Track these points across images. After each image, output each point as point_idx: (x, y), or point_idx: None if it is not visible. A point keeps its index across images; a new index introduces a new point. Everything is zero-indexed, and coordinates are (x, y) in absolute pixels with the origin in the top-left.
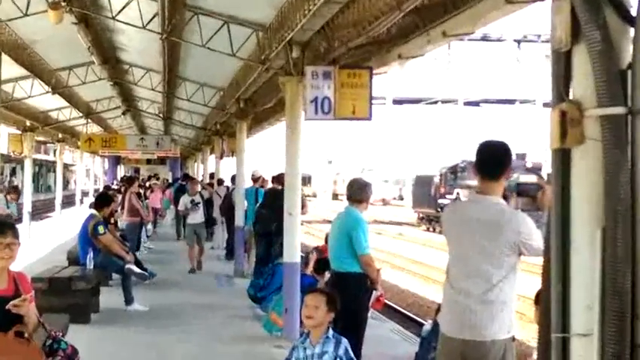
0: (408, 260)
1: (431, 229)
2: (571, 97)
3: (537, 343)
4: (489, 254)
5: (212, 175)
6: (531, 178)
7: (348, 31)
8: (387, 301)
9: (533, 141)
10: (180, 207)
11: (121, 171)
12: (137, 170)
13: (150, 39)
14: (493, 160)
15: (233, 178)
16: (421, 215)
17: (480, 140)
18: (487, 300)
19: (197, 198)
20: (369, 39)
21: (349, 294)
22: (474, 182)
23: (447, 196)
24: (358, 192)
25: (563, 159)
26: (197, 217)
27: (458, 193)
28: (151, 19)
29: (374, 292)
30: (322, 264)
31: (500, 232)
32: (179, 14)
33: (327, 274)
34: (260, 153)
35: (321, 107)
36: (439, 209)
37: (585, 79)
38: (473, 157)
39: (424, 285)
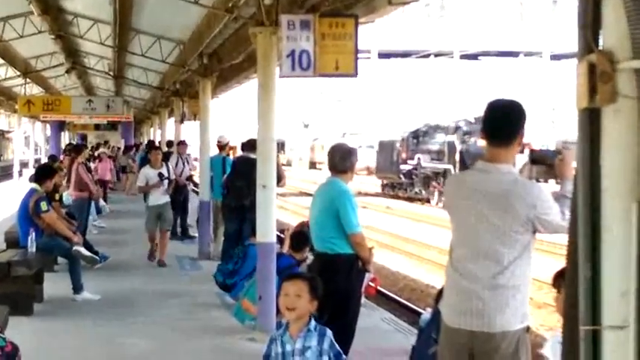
0: (398, 238)
1: (394, 196)
2: (601, 47)
3: (562, 337)
4: (500, 232)
5: (170, 143)
6: None
7: None
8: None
9: (540, 99)
10: (140, 182)
11: (66, 138)
12: (84, 137)
13: None
14: (504, 122)
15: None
16: (385, 182)
17: (479, 98)
18: (497, 284)
19: (164, 171)
20: None
21: (339, 279)
22: (434, 147)
23: (409, 162)
24: (341, 161)
25: (591, 120)
26: (161, 196)
27: (419, 159)
28: None
29: (366, 274)
30: (299, 239)
31: (512, 207)
32: None
33: (307, 252)
34: (226, 116)
35: (298, 62)
36: (401, 175)
37: (617, 27)
38: (452, 118)
39: (418, 266)
